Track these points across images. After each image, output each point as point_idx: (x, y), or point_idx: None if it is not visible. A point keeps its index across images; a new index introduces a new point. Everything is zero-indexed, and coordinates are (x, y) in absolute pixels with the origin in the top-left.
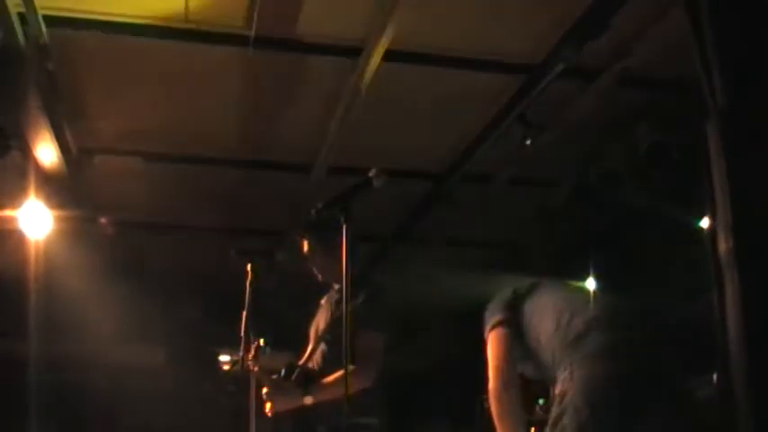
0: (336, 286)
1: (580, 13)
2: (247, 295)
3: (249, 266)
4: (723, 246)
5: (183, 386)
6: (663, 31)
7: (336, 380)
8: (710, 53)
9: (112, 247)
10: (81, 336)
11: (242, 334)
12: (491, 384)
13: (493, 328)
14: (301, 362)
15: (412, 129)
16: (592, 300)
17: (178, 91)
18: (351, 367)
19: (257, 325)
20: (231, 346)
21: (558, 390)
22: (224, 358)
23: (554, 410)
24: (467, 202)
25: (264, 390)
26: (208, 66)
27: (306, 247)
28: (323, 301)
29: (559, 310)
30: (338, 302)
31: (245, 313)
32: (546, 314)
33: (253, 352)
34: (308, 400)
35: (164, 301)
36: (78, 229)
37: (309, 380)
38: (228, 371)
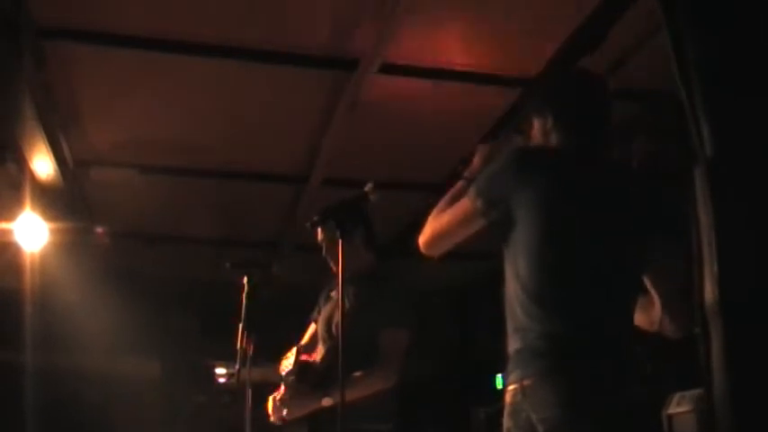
0: (351, 277)
1: (575, 27)
2: (243, 308)
3: (245, 279)
4: (709, 296)
5: (178, 398)
6: (659, 44)
7: (357, 380)
8: (698, 100)
9: (108, 258)
10: (77, 347)
11: (238, 347)
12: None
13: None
14: (301, 354)
15: (408, 141)
16: None
17: (174, 103)
18: (364, 371)
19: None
20: (227, 359)
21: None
22: (220, 371)
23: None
24: None
25: (281, 395)
26: (203, 78)
27: (320, 236)
28: (333, 293)
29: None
30: (355, 295)
31: (241, 326)
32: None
33: (282, 364)
34: (327, 401)
35: (159, 313)
36: (74, 240)
37: (327, 381)
38: (225, 384)
